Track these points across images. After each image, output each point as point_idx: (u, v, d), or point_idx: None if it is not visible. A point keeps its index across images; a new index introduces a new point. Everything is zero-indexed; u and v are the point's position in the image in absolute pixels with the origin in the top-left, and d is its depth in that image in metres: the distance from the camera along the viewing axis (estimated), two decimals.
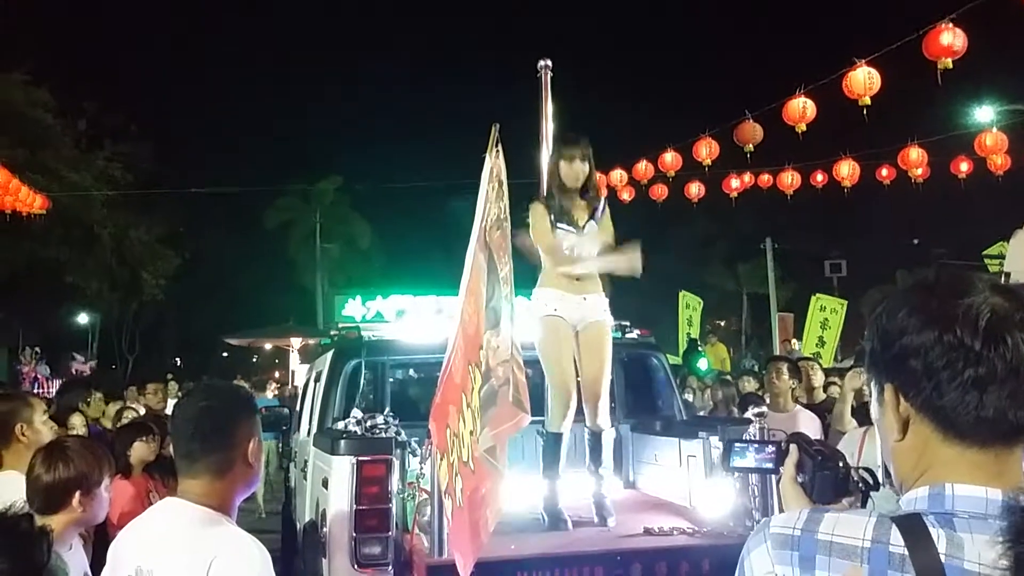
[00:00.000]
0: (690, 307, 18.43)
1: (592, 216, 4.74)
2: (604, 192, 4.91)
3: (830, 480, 1.62)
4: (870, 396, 1.29)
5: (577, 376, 4.63)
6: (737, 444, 1.85)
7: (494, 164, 3.05)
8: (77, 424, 5.90)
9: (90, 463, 2.81)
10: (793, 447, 1.68)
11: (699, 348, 16.34)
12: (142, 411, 7.40)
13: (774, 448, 1.76)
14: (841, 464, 1.65)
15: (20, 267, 24.35)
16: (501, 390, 2.38)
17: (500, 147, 3.04)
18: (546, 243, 4.62)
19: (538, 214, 4.71)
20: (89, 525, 3.06)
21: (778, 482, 1.76)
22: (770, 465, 1.77)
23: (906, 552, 1.09)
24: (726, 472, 3.46)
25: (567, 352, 4.62)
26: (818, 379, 6.59)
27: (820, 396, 6.56)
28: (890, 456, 1.26)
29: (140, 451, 4.78)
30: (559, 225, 4.66)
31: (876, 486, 1.68)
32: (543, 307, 4.63)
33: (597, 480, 4.64)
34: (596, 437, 4.69)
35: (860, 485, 1.67)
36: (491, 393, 2.47)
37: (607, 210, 4.87)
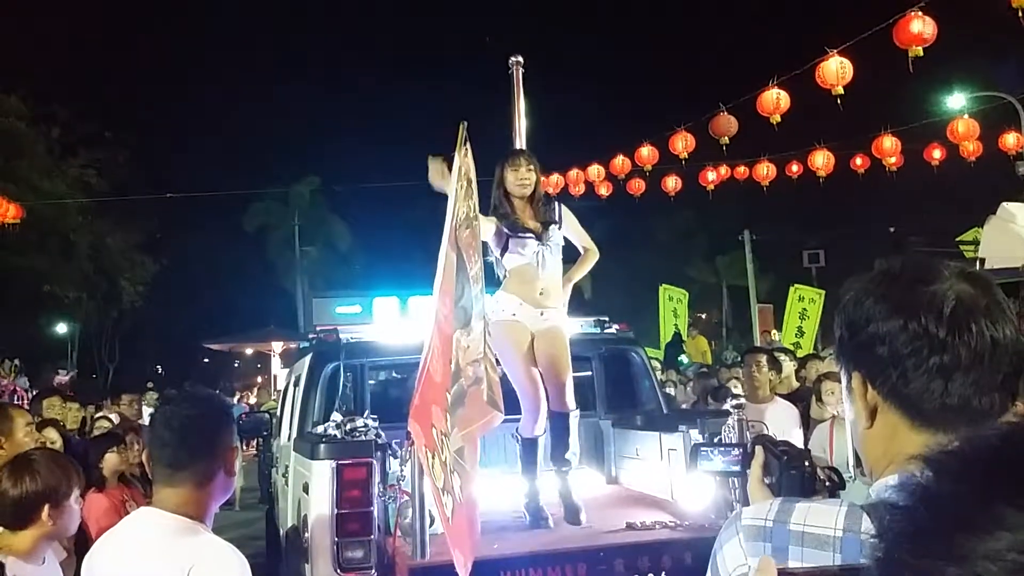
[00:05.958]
0: (674, 299, 18.39)
1: (550, 221, 4.65)
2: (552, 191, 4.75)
3: (797, 480, 1.61)
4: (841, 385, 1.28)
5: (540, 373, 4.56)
6: (703, 447, 1.83)
7: (462, 162, 3.04)
8: (53, 436, 5.79)
9: (58, 476, 2.77)
10: (759, 448, 1.66)
11: (682, 341, 16.41)
12: (116, 420, 7.31)
13: (740, 450, 1.74)
14: (807, 464, 1.64)
15: None
16: (470, 390, 2.37)
17: (468, 145, 3.03)
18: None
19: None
20: (60, 538, 3.01)
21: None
22: (737, 468, 1.74)
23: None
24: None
25: (528, 352, 4.56)
26: (787, 369, 6.71)
27: (794, 384, 6.72)
28: (860, 444, 1.25)
29: (113, 462, 4.71)
30: (516, 234, 4.56)
31: (843, 485, 1.67)
32: (500, 312, 4.54)
33: (567, 471, 4.59)
34: (562, 419, 4.60)
35: (827, 484, 1.65)
36: (460, 393, 2.46)
37: (563, 209, 4.78)
